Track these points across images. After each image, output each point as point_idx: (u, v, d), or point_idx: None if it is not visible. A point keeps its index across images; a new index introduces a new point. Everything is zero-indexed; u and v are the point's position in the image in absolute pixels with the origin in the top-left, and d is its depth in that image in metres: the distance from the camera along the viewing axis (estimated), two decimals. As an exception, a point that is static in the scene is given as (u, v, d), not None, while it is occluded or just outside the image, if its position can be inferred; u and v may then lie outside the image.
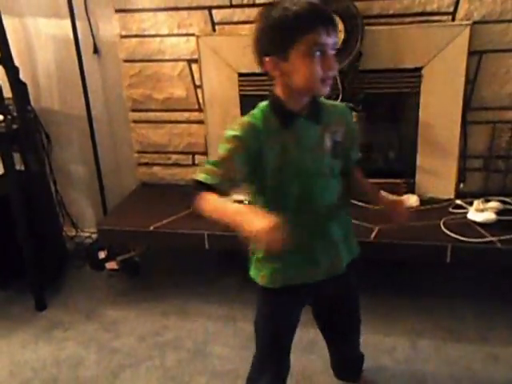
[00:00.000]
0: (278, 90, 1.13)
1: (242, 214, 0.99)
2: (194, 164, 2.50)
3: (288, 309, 1.31)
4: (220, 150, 1.11)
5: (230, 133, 1.11)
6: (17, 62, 2.18)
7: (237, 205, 1.05)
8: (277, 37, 1.04)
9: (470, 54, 2.00)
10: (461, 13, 1.99)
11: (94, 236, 2.54)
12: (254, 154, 1.10)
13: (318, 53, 1.04)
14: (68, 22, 2.31)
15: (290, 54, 1.05)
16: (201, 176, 1.09)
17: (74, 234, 2.71)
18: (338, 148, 1.17)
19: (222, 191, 1.08)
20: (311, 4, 1.05)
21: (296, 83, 1.07)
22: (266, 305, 1.32)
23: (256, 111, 1.15)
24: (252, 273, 1.31)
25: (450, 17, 2.01)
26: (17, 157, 2.23)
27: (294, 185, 1.15)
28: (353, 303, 1.43)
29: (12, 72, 2.11)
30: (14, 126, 2.15)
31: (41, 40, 2.46)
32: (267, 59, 1.07)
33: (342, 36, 2.01)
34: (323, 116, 1.16)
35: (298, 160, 1.13)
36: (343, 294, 1.37)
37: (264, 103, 1.16)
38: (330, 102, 1.24)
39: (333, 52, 1.07)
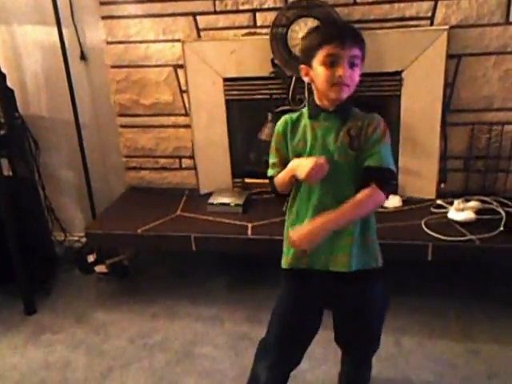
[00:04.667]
0: (314, 93, 1.33)
1: (293, 166, 1.28)
2: (181, 168, 2.54)
3: (296, 291, 1.41)
4: (272, 143, 1.40)
5: (276, 128, 1.39)
6: (4, 69, 2.21)
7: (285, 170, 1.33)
8: (306, 49, 1.30)
9: (449, 57, 2.05)
10: (439, 17, 2.05)
11: (83, 240, 2.56)
12: (285, 143, 1.36)
13: (329, 62, 1.23)
14: (54, 29, 2.34)
15: (313, 63, 1.27)
16: (269, 172, 1.41)
17: (63, 238, 2.73)
18: (354, 141, 1.28)
19: None
20: (333, 22, 1.41)
21: (318, 86, 1.29)
22: (281, 283, 1.44)
23: (299, 110, 1.39)
24: None
25: (429, 21, 2.06)
26: (5, 163, 2.25)
27: None
28: (363, 318, 1.42)
29: (-1, 79, 2.14)
30: (2, 132, 2.18)
31: (28, 47, 2.48)
32: (302, 66, 1.32)
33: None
34: (347, 116, 1.30)
35: (314, 144, 1.30)
36: (354, 304, 1.39)
37: None
38: (366, 113, 1.33)
39: (349, 62, 1.23)
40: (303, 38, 1.33)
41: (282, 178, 1.35)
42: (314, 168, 1.20)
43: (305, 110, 1.36)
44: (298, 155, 1.31)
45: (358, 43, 1.25)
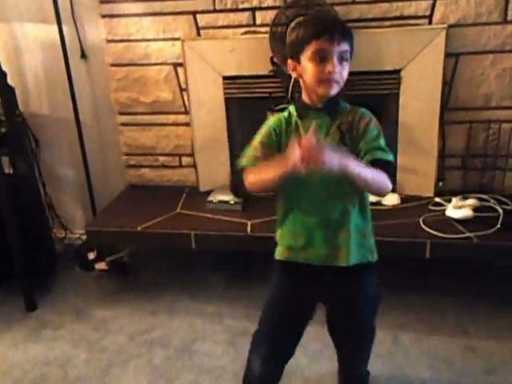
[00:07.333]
0: (302, 89, 1.31)
1: (279, 161, 1.16)
2: (181, 165, 2.55)
3: (290, 284, 1.39)
4: (255, 137, 1.33)
5: (264, 124, 1.34)
6: (4, 67, 2.21)
7: (270, 163, 1.21)
8: (293, 44, 1.27)
9: (447, 56, 2.07)
10: (437, 16, 2.06)
11: (84, 237, 2.57)
12: (276, 139, 1.30)
13: (318, 58, 1.21)
14: (55, 27, 2.35)
15: (301, 58, 1.25)
16: (241, 162, 1.31)
17: (63, 235, 2.75)
18: (345, 136, 1.28)
19: None
20: (322, 17, 1.38)
21: (306, 82, 1.26)
22: (273, 275, 1.42)
23: (286, 110, 1.36)
24: None
25: (427, 20, 2.07)
26: (5, 160, 2.26)
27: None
28: (358, 313, 1.43)
29: (0, 77, 2.15)
30: (3, 130, 2.19)
31: (28, 45, 2.49)
32: (289, 61, 1.30)
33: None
34: (336, 112, 1.29)
35: None
36: (349, 299, 1.40)
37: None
38: (353, 106, 1.32)
39: (339, 58, 1.21)
40: (290, 32, 1.31)
41: (263, 171, 1.22)
42: (304, 150, 1.07)
43: (292, 109, 1.33)
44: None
45: (346, 38, 1.23)
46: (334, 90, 1.24)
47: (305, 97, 1.30)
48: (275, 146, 1.29)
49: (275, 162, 1.17)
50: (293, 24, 1.32)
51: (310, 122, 1.26)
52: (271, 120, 1.33)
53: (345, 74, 1.24)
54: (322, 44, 1.20)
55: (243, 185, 1.28)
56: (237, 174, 1.31)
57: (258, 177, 1.25)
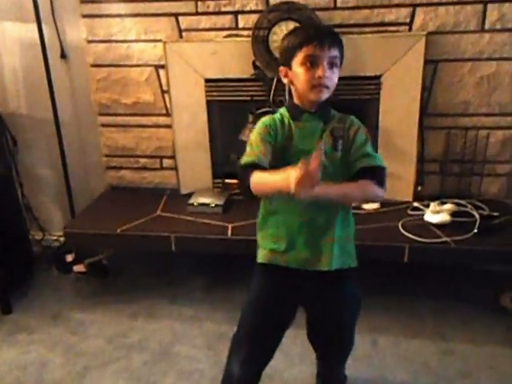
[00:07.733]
0: (293, 95, 1.34)
1: (282, 178, 1.13)
2: (162, 167, 2.53)
3: (272, 287, 1.39)
4: (252, 136, 1.32)
5: (258, 123, 1.34)
6: (-18, 66, 2.18)
7: (277, 173, 1.17)
8: (285, 50, 1.30)
9: (426, 62, 2.10)
10: (417, 23, 2.09)
11: (62, 239, 2.54)
12: (273, 136, 1.31)
13: (309, 63, 1.24)
14: (34, 27, 2.31)
15: (292, 64, 1.28)
16: (243, 160, 1.28)
17: (41, 237, 2.70)
18: (337, 141, 1.30)
19: (262, 166, 1.25)
20: (313, 24, 1.45)
21: (297, 87, 1.30)
22: (254, 277, 1.43)
23: (277, 112, 1.37)
24: None
25: (407, 27, 2.10)
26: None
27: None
28: (338, 317, 1.44)
29: (-23, 76, 2.11)
30: (-21, 130, 2.15)
31: (7, 44, 2.45)
32: (281, 68, 1.33)
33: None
34: (328, 117, 1.33)
35: (298, 145, 1.30)
36: (330, 303, 1.41)
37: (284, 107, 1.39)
38: (342, 114, 1.35)
39: (329, 63, 1.24)
40: (282, 39, 1.34)
41: (271, 182, 1.18)
42: (302, 177, 1.05)
43: (283, 111, 1.35)
44: (282, 152, 1.29)
45: (336, 44, 1.26)
46: (325, 95, 1.27)
47: (297, 101, 1.33)
48: (273, 142, 1.29)
49: (281, 176, 1.12)
50: (285, 32, 1.36)
51: (302, 124, 1.31)
52: (265, 118, 1.34)
53: (335, 80, 1.27)
54: (312, 49, 1.23)
55: (248, 185, 1.23)
56: (240, 174, 1.27)
57: (262, 181, 1.21)
